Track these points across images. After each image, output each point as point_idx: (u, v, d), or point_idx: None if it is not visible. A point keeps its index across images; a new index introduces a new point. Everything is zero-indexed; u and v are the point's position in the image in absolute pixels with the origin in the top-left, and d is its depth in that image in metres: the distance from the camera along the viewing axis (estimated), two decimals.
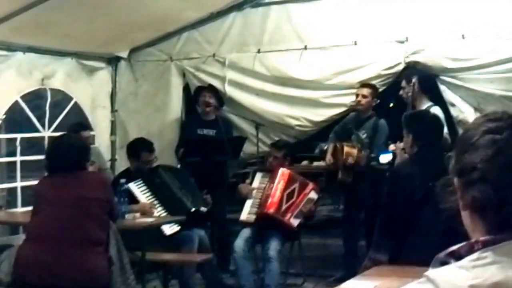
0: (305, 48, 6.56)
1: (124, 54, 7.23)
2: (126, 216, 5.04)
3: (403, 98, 5.87)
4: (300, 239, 6.21)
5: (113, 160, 7.32)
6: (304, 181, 6.06)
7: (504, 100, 5.78)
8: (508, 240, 1.24)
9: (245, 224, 6.03)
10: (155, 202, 5.70)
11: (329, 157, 6.48)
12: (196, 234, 5.75)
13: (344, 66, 6.41)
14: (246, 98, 6.89)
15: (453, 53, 5.95)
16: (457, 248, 1.28)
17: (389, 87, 6.43)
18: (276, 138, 6.73)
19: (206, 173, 6.29)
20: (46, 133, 6.49)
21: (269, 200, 5.94)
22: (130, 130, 7.27)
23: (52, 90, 6.56)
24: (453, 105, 6.01)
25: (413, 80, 5.75)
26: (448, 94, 6.04)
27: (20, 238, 5.13)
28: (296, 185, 5.99)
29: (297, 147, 8.31)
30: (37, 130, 6.45)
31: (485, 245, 1.24)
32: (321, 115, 6.65)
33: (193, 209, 5.79)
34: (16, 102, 6.18)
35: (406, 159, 4.38)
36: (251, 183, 6.17)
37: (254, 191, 6.08)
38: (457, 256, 1.26)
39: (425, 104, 5.75)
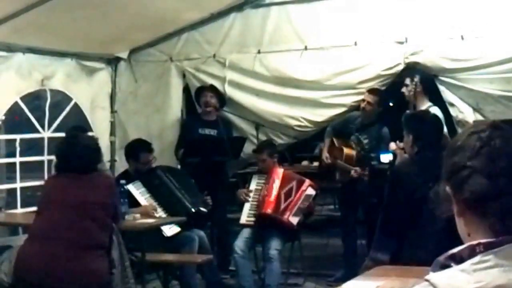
0: (305, 48, 6.57)
1: (124, 54, 7.22)
2: (126, 217, 5.04)
3: (405, 96, 5.87)
4: (300, 239, 6.23)
5: (112, 161, 7.32)
6: (301, 178, 6.09)
7: (503, 100, 5.79)
8: (510, 243, 1.23)
9: (245, 226, 6.04)
10: (154, 203, 5.70)
11: (325, 154, 6.48)
12: (196, 235, 5.75)
13: (344, 67, 6.42)
14: (246, 98, 6.89)
15: (452, 53, 5.95)
16: (458, 251, 1.27)
17: (388, 86, 6.43)
18: (276, 139, 6.74)
19: (206, 174, 6.29)
20: (46, 134, 6.49)
21: (266, 200, 5.96)
22: (130, 131, 7.26)
23: (52, 91, 6.55)
24: (452, 105, 6.01)
25: (415, 79, 5.76)
26: (447, 95, 6.05)
27: (19, 239, 5.13)
28: (293, 183, 6.02)
29: (297, 147, 8.33)
30: (37, 131, 6.44)
31: (486, 248, 1.24)
32: (321, 115, 6.65)
33: (193, 210, 5.79)
34: (16, 103, 6.18)
35: (407, 159, 4.39)
36: (248, 187, 6.20)
37: (251, 194, 6.09)
38: (458, 259, 1.26)
39: (425, 105, 5.76)
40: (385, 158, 5.59)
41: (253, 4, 6.84)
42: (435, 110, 5.48)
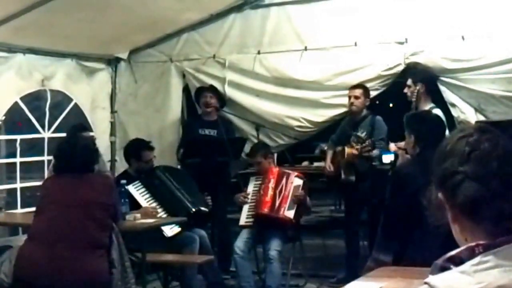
0: (305, 49, 6.57)
1: (124, 55, 7.23)
2: (127, 217, 5.03)
3: (407, 97, 5.87)
4: (301, 239, 6.22)
5: (112, 161, 7.32)
6: (288, 172, 6.15)
7: (505, 101, 5.78)
8: (509, 243, 1.23)
9: (245, 228, 6.05)
10: (155, 203, 5.70)
11: (328, 163, 6.47)
12: (197, 234, 5.75)
13: (344, 67, 6.42)
14: (246, 99, 6.90)
15: (453, 54, 5.95)
16: (457, 253, 1.27)
17: (389, 87, 6.43)
18: (276, 139, 6.74)
19: (207, 174, 6.29)
20: (46, 134, 6.49)
21: (262, 200, 5.98)
22: (130, 131, 7.27)
23: (52, 91, 6.56)
24: (453, 105, 6.01)
25: (417, 86, 5.74)
26: (448, 95, 6.04)
27: (19, 239, 5.12)
28: (283, 179, 6.05)
29: (298, 148, 8.33)
30: (37, 131, 6.44)
31: (486, 249, 1.23)
32: (321, 115, 6.65)
33: (193, 210, 5.78)
34: (16, 103, 6.18)
35: (408, 159, 4.39)
36: (246, 189, 6.21)
37: (249, 196, 6.10)
38: (457, 261, 1.25)
39: (428, 106, 5.75)
40: (387, 158, 5.58)
41: (252, 5, 6.84)
42: (437, 112, 5.47)
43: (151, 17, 6.40)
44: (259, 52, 6.79)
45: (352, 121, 6.37)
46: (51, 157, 6.13)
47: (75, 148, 4.27)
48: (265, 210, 5.96)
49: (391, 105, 7.78)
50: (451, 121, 5.88)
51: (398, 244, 3.67)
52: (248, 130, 6.88)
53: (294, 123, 6.71)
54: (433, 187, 1.41)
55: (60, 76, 6.63)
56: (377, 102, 6.35)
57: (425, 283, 1.24)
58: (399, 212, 3.73)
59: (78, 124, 6.39)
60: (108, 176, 5.47)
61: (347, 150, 6.17)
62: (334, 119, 6.62)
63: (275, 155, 6.74)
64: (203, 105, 6.78)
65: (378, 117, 6.28)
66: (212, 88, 6.80)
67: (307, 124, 6.70)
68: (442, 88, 6.05)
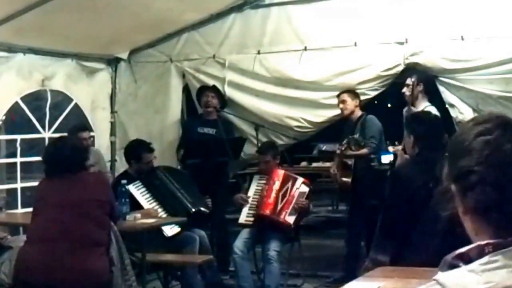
0: (305, 49, 6.57)
1: (124, 55, 7.24)
2: (127, 217, 5.04)
3: (405, 96, 5.88)
4: (299, 239, 6.23)
5: (113, 161, 7.34)
6: (295, 177, 6.11)
7: (503, 101, 5.79)
8: None
9: (244, 226, 6.05)
10: (155, 203, 5.71)
11: (333, 168, 6.35)
12: (197, 234, 5.77)
13: (344, 67, 6.42)
14: (246, 99, 6.90)
15: (452, 54, 5.96)
16: (466, 251, 1.26)
17: (387, 87, 6.44)
18: (276, 139, 6.74)
19: (206, 175, 6.30)
20: (47, 134, 6.51)
21: (265, 201, 5.97)
22: (130, 131, 7.29)
23: (52, 91, 6.58)
24: (452, 106, 6.02)
25: (412, 78, 5.76)
26: (447, 95, 6.05)
27: (20, 239, 5.12)
28: (289, 183, 6.03)
29: (296, 148, 8.34)
30: (37, 131, 6.45)
31: (495, 248, 1.22)
32: (321, 116, 6.66)
33: (193, 210, 5.79)
34: (17, 103, 6.19)
35: (407, 160, 4.39)
36: (248, 187, 6.21)
37: (251, 193, 6.11)
38: (466, 259, 1.24)
39: (423, 105, 5.76)
40: (386, 159, 5.59)
41: (253, 5, 6.85)
42: (432, 110, 5.48)
43: (151, 17, 6.41)
44: (259, 52, 6.80)
45: (350, 124, 6.38)
46: None
47: (61, 150, 4.27)
48: (267, 211, 5.95)
49: (389, 105, 7.79)
50: (448, 121, 5.90)
51: (396, 244, 3.68)
52: (247, 130, 6.88)
53: (294, 123, 6.72)
54: (444, 175, 1.37)
55: (60, 76, 6.66)
56: (376, 102, 6.35)
57: (434, 279, 1.23)
58: (397, 212, 3.74)
59: (78, 124, 6.42)
60: (101, 173, 5.48)
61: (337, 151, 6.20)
62: (333, 119, 6.63)
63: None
64: (203, 105, 6.80)
65: (370, 116, 6.29)
66: (215, 88, 6.82)
67: (307, 125, 6.71)
68: (441, 89, 6.06)
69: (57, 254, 3.99)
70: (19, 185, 6.31)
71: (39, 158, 6.45)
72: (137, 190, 5.68)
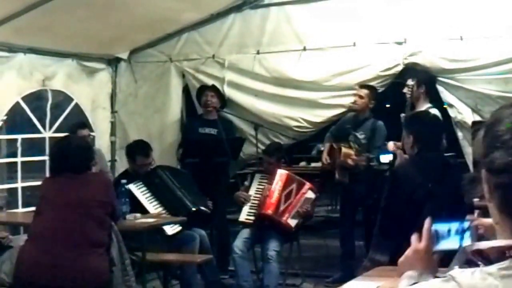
0: (304, 49, 6.58)
1: (124, 55, 7.25)
2: (127, 216, 5.06)
3: (406, 97, 5.88)
4: (299, 239, 6.25)
5: (113, 161, 7.35)
6: (301, 181, 6.10)
7: (501, 101, 5.77)
8: None
9: (244, 224, 6.06)
10: (155, 202, 5.72)
11: (325, 156, 6.52)
12: (197, 234, 5.78)
13: (343, 68, 6.42)
14: (245, 99, 6.91)
15: (451, 54, 5.96)
16: (486, 249, 1.23)
17: (386, 88, 6.46)
18: (275, 139, 6.75)
19: (206, 174, 6.31)
20: (47, 134, 6.52)
21: (267, 201, 5.97)
22: (130, 131, 7.30)
23: (53, 91, 6.59)
24: (451, 106, 6.03)
25: (412, 81, 5.77)
26: (446, 95, 6.05)
27: (20, 239, 5.14)
28: (293, 186, 6.03)
29: (295, 148, 8.35)
30: (38, 131, 6.47)
31: None
32: (320, 116, 6.66)
33: (193, 209, 5.81)
34: (17, 103, 6.21)
35: (406, 159, 4.41)
36: (249, 185, 6.21)
37: (252, 192, 6.12)
38: (485, 257, 1.22)
39: (425, 106, 5.77)
40: (385, 158, 5.60)
41: (252, 5, 6.86)
42: (435, 112, 5.49)
43: (151, 17, 6.42)
44: (258, 52, 6.81)
45: (354, 120, 6.38)
46: None
47: (68, 149, 4.29)
48: (269, 211, 5.96)
49: (387, 105, 7.79)
50: (448, 121, 5.91)
51: (395, 244, 3.70)
52: (247, 130, 6.89)
53: (293, 123, 6.72)
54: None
55: (61, 76, 6.67)
56: (374, 103, 6.34)
57: (450, 275, 1.21)
58: (396, 212, 3.75)
59: (77, 122, 6.44)
60: (104, 174, 5.50)
61: (344, 150, 6.19)
62: (332, 119, 6.63)
63: None
64: (203, 104, 6.81)
65: (380, 123, 6.30)
66: (214, 88, 6.83)
67: (306, 124, 6.71)
68: (440, 89, 6.06)
69: (57, 254, 3.99)
70: (19, 184, 6.31)
71: (39, 158, 6.52)
72: (138, 189, 5.70)
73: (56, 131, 6.55)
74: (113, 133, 7.42)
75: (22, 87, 6.25)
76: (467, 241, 1.69)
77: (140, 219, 5.17)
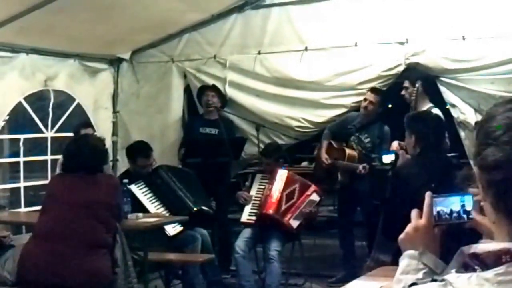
0: (306, 49, 6.59)
1: (126, 55, 7.27)
2: (129, 216, 5.07)
3: (405, 99, 5.89)
4: (300, 239, 6.24)
5: (114, 160, 7.36)
6: (306, 182, 6.08)
7: None
8: None
9: (246, 225, 6.07)
10: (157, 202, 5.73)
11: (325, 155, 6.48)
12: (199, 233, 5.79)
13: (344, 68, 6.43)
14: (246, 99, 6.92)
15: (453, 54, 5.95)
16: (483, 254, 1.22)
17: (387, 88, 6.46)
18: (277, 139, 6.75)
19: (207, 174, 6.31)
20: (49, 134, 6.53)
21: (268, 201, 5.97)
22: (132, 131, 7.31)
23: (55, 91, 6.61)
24: (453, 106, 6.02)
25: (417, 84, 5.77)
26: (448, 95, 6.04)
27: (22, 238, 5.15)
28: (296, 186, 6.02)
29: (297, 148, 8.35)
30: (40, 131, 6.48)
31: None
32: (321, 116, 6.66)
33: (195, 209, 5.81)
34: (20, 103, 6.22)
35: (409, 159, 4.41)
36: (250, 186, 6.22)
37: (253, 192, 6.13)
38: (481, 261, 1.21)
39: (426, 106, 5.77)
40: (387, 158, 5.59)
41: (253, 5, 6.87)
42: (436, 111, 5.50)
43: (153, 18, 6.43)
44: (259, 53, 6.82)
45: (359, 121, 6.38)
46: (54, 157, 6.20)
47: (84, 148, 4.30)
48: (270, 211, 5.95)
49: (390, 105, 7.77)
50: (451, 121, 5.91)
51: (398, 244, 3.70)
52: (248, 130, 6.89)
53: (294, 123, 6.73)
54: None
55: (63, 76, 6.68)
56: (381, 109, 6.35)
57: (445, 279, 1.21)
58: (399, 212, 3.75)
59: (82, 121, 6.45)
60: (113, 176, 5.51)
61: (348, 152, 6.19)
62: (334, 119, 6.62)
63: None
64: (204, 104, 6.82)
65: (386, 128, 6.30)
66: (215, 88, 6.84)
67: (307, 125, 6.71)
68: (442, 89, 6.06)
69: (61, 253, 4.01)
70: (22, 184, 6.32)
71: (42, 158, 6.53)
72: (139, 190, 5.70)
73: (58, 131, 6.57)
74: (115, 133, 7.44)
75: (24, 87, 6.26)
76: (468, 204, 1.65)
77: (142, 219, 5.17)
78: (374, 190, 5.73)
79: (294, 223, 5.89)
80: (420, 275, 1.60)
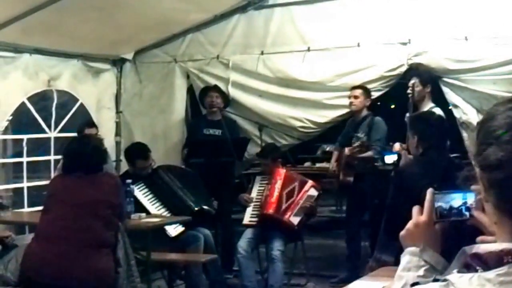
0: (308, 50, 6.59)
1: (129, 55, 7.28)
2: (132, 216, 5.08)
3: (410, 98, 5.88)
4: (303, 239, 6.25)
5: (117, 161, 7.36)
6: (303, 179, 6.12)
7: None
8: None
9: (248, 226, 6.08)
10: (157, 203, 5.73)
11: (333, 164, 6.51)
12: (201, 233, 5.79)
13: (347, 68, 6.44)
14: (249, 99, 6.93)
15: (456, 54, 5.95)
16: (485, 254, 1.21)
17: (390, 89, 6.46)
18: (279, 140, 6.76)
19: (210, 174, 6.31)
20: (52, 134, 6.54)
21: (268, 201, 5.99)
22: (135, 131, 7.33)
23: (58, 91, 6.62)
24: (456, 106, 6.03)
25: (428, 86, 5.77)
26: (451, 96, 6.05)
27: (25, 238, 5.17)
28: (295, 184, 6.04)
29: (300, 149, 8.36)
30: (43, 131, 6.50)
31: None
32: (324, 116, 6.67)
33: (196, 209, 5.82)
34: (23, 104, 6.23)
35: (411, 160, 4.41)
36: (251, 187, 6.24)
37: (254, 195, 6.14)
38: (483, 261, 1.20)
39: (428, 106, 5.77)
40: (390, 159, 5.60)
41: (256, 6, 6.87)
42: (438, 111, 5.49)
43: (156, 18, 6.44)
44: (262, 53, 6.82)
45: (354, 122, 6.41)
46: (57, 157, 6.21)
47: (85, 148, 4.31)
48: (270, 211, 5.97)
49: (392, 106, 7.78)
50: (453, 122, 5.91)
51: (400, 244, 3.70)
52: (251, 130, 6.90)
53: (297, 123, 6.74)
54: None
55: (66, 77, 6.69)
56: (379, 103, 6.35)
57: (447, 279, 1.20)
58: (401, 213, 3.75)
59: (86, 121, 6.46)
60: (115, 176, 5.51)
61: (346, 149, 6.21)
62: (337, 120, 6.64)
63: None
64: (208, 105, 6.82)
65: (377, 118, 6.30)
66: (217, 88, 6.84)
67: (310, 125, 6.72)
68: (445, 89, 6.06)
69: (64, 253, 4.00)
70: (25, 184, 6.34)
71: (45, 158, 6.54)
72: (139, 191, 5.71)
73: (61, 131, 6.58)
74: (118, 133, 7.45)
75: (27, 88, 6.28)
76: (470, 202, 1.64)
77: (144, 219, 5.18)
78: (377, 190, 5.73)
79: (295, 220, 5.91)
80: (421, 272, 1.60)
